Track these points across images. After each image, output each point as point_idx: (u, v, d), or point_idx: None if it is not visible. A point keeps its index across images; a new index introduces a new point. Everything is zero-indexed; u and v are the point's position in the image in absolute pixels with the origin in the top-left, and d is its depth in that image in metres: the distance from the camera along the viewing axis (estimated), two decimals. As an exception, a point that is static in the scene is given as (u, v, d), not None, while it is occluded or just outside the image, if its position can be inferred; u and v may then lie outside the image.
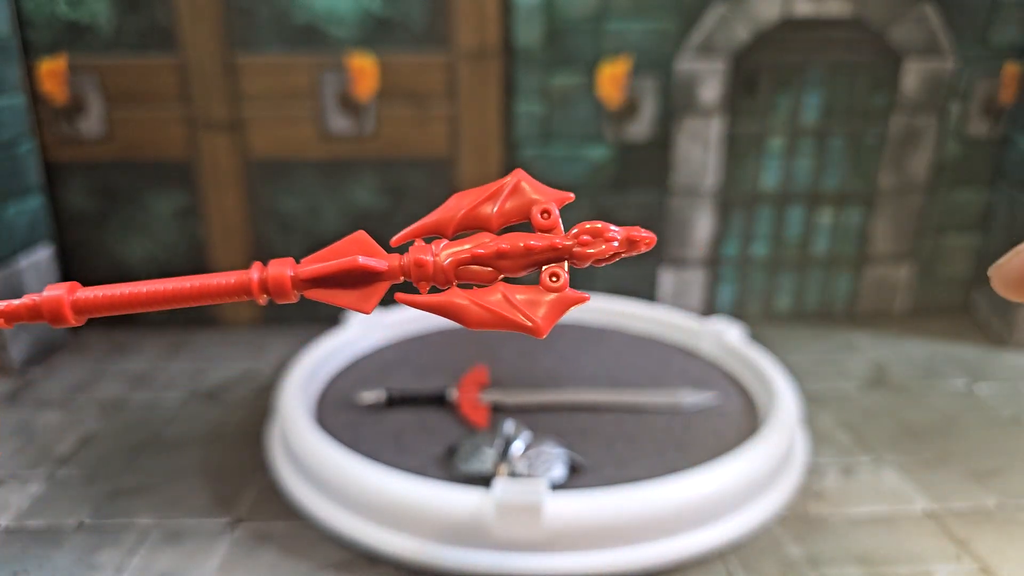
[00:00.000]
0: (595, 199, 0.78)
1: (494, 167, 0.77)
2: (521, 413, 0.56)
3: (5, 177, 0.69)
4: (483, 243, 0.18)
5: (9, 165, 0.69)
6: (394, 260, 0.18)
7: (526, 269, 0.19)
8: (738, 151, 0.78)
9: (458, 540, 0.43)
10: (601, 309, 0.73)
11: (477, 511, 0.43)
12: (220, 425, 0.60)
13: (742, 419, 0.56)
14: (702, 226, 0.80)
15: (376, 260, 0.18)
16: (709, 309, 0.83)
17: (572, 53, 0.73)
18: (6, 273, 0.68)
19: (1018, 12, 0.75)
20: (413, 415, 0.56)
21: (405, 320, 0.71)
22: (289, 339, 0.76)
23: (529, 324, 0.18)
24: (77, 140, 0.74)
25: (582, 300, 0.19)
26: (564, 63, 0.74)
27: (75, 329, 0.78)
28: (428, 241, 0.19)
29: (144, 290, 0.18)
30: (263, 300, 0.18)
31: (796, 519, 0.48)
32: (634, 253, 0.18)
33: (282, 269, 0.18)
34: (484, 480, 0.46)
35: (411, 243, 0.19)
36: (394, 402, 0.57)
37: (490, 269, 0.18)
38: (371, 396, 0.57)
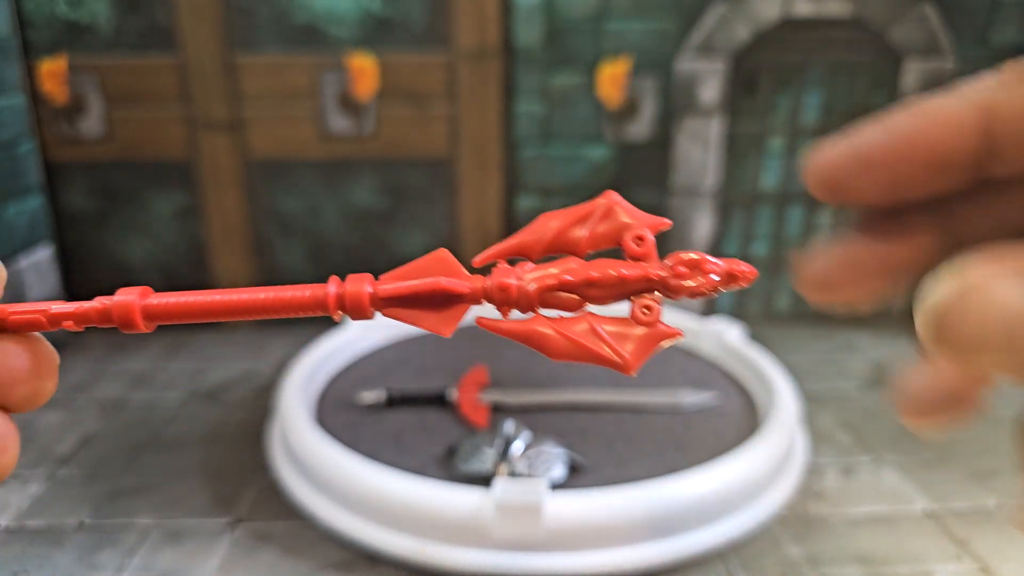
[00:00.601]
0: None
1: (494, 167, 0.77)
2: (521, 413, 0.56)
3: (5, 177, 0.69)
4: (571, 269, 0.17)
5: (9, 165, 0.70)
6: (477, 282, 0.18)
7: (616, 299, 0.18)
8: (738, 151, 0.78)
9: (458, 540, 0.43)
10: (601, 309, 0.73)
11: (477, 511, 0.43)
12: (220, 425, 0.60)
13: (742, 419, 0.56)
14: (702, 226, 0.80)
15: (459, 282, 0.17)
16: (709, 309, 0.83)
17: (572, 53, 0.73)
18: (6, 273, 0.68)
19: (1018, 12, 0.75)
20: (413, 415, 0.56)
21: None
22: (289, 339, 0.76)
23: (617, 360, 0.17)
24: (77, 140, 0.74)
25: (675, 336, 0.17)
26: (564, 63, 0.74)
27: (75, 329, 0.78)
28: (512, 263, 0.18)
29: (217, 299, 0.18)
30: (339, 316, 0.18)
31: (796, 519, 0.48)
32: (732, 288, 0.17)
33: (361, 286, 0.17)
34: (484, 480, 0.46)
35: (494, 264, 0.18)
36: (394, 402, 0.57)
37: (577, 297, 0.17)
38: (371, 396, 0.57)
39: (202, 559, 0.45)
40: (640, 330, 0.17)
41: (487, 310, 0.18)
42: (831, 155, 0.16)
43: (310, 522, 0.48)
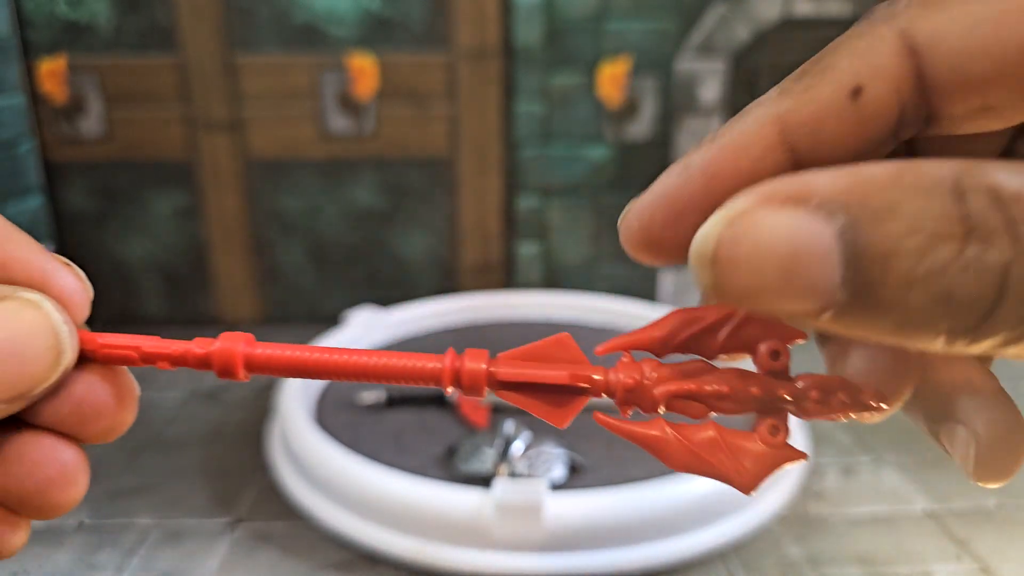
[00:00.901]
0: (595, 199, 0.78)
1: (494, 167, 0.77)
2: (521, 413, 0.56)
3: (5, 177, 0.69)
4: (703, 379, 0.16)
5: (9, 165, 0.70)
6: (600, 374, 0.17)
7: (742, 413, 0.17)
8: (738, 151, 0.78)
9: (458, 540, 0.43)
10: (601, 309, 0.73)
11: (477, 511, 0.43)
12: (220, 425, 0.60)
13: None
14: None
15: (587, 376, 0.17)
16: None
17: (572, 53, 0.73)
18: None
19: (1018, 12, 0.75)
20: (413, 415, 0.56)
21: (405, 320, 0.71)
22: (289, 339, 0.75)
23: (737, 479, 0.16)
24: (77, 140, 0.74)
25: (799, 458, 0.16)
26: (564, 63, 0.74)
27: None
28: (637, 358, 0.17)
29: (325, 358, 0.17)
30: (450, 392, 0.17)
31: (796, 519, 0.48)
32: (862, 419, 0.16)
33: (478, 364, 0.16)
34: (484, 480, 0.46)
35: (618, 355, 0.17)
36: (394, 402, 0.57)
37: (703, 406, 0.16)
38: (371, 396, 0.57)
39: (202, 559, 0.45)
40: (763, 447, 0.16)
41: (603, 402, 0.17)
42: (637, 212, 0.15)
43: (310, 522, 0.48)
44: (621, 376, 0.17)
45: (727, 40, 0.73)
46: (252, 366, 0.17)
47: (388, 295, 0.77)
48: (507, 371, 0.17)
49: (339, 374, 0.17)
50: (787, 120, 0.14)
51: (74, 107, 0.73)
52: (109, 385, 0.16)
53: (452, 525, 0.43)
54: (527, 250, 0.79)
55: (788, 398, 0.16)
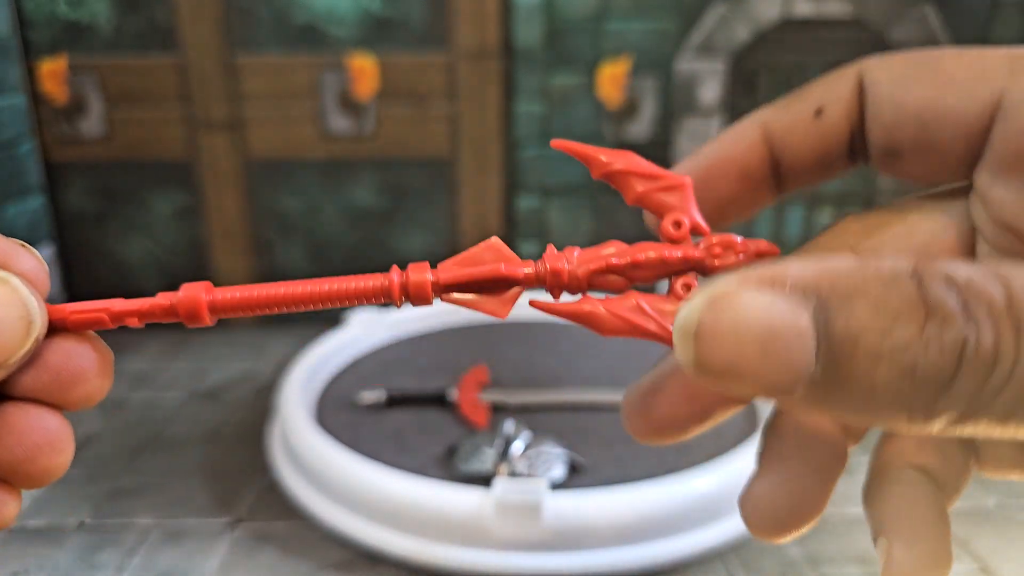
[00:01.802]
0: (595, 199, 0.78)
1: (494, 167, 0.77)
2: (521, 413, 0.56)
3: (5, 177, 0.69)
4: (617, 253, 0.19)
5: (9, 165, 0.70)
6: (531, 267, 0.19)
7: (657, 279, 0.19)
8: (738, 151, 0.78)
9: (458, 539, 0.43)
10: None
11: (477, 510, 0.43)
12: (220, 425, 0.60)
13: (741, 419, 0.56)
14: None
15: (516, 268, 0.19)
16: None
17: (572, 53, 0.73)
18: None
19: (1018, 12, 0.75)
20: (413, 415, 0.56)
21: (405, 320, 0.71)
22: (289, 339, 0.76)
23: (662, 333, 0.18)
24: (77, 140, 0.74)
25: None
26: (564, 63, 0.74)
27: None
28: (560, 250, 0.19)
29: (281, 292, 0.18)
30: (400, 303, 0.18)
31: (796, 519, 0.48)
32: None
33: (422, 274, 0.18)
34: (484, 480, 0.47)
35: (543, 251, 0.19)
36: (394, 402, 0.57)
37: (623, 279, 0.19)
38: (371, 396, 0.57)
39: (202, 559, 0.45)
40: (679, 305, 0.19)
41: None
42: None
43: (310, 522, 0.48)
44: (548, 265, 0.19)
45: (727, 40, 0.73)
46: (216, 309, 0.18)
47: (388, 295, 0.77)
48: (448, 275, 0.18)
49: (297, 303, 0.18)
50: (768, 126, 0.19)
51: (74, 107, 0.73)
52: (84, 351, 0.17)
53: (452, 524, 0.43)
54: (527, 250, 0.79)
55: (693, 257, 0.19)
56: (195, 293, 0.18)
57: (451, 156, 0.77)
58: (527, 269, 0.19)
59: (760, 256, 0.19)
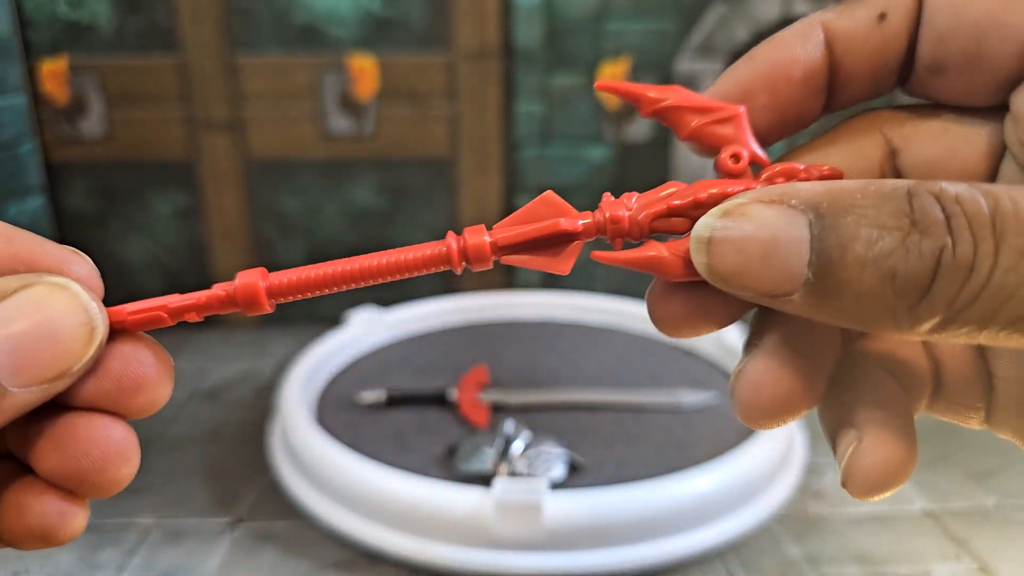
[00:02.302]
0: (595, 199, 0.78)
1: (494, 167, 0.77)
2: (521, 413, 0.56)
3: (6, 177, 0.69)
4: (677, 193, 0.18)
5: (10, 165, 0.70)
6: (590, 218, 0.18)
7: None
8: (738, 151, 0.78)
9: (458, 539, 0.43)
10: (601, 309, 0.73)
11: (477, 510, 0.43)
12: (221, 425, 0.60)
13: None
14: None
15: (575, 221, 0.18)
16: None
17: (572, 53, 0.73)
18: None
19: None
20: (413, 415, 0.56)
21: (405, 320, 0.71)
22: (290, 339, 0.76)
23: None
24: (78, 140, 0.75)
25: None
26: (564, 63, 0.74)
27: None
28: (616, 196, 0.19)
29: (338, 270, 0.18)
30: (460, 269, 0.18)
31: (795, 518, 0.48)
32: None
33: (480, 237, 0.18)
34: (484, 480, 0.47)
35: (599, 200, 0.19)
36: (394, 402, 0.57)
37: (686, 220, 0.18)
38: (371, 396, 0.57)
39: (202, 559, 0.45)
40: None
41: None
42: (712, 94, 0.18)
43: (310, 522, 0.48)
44: (607, 213, 0.18)
45: (727, 40, 0.74)
46: (274, 294, 0.18)
47: (388, 295, 0.77)
48: (506, 235, 0.18)
49: (351, 280, 0.18)
50: (828, 27, 0.17)
51: (75, 107, 0.74)
52: (145, 356, 0.17)
53: (452, 524, 0.43)
54: (527, 250, 0.79)
55: (757, 187, 0.18)
56: (252, 280, 0.17)
57: (451, 156, 0.77)
58: (586, 220, 0.18)
59: (824, 178, 0.18)
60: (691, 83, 0.74)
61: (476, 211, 0.78)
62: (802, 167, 0.18)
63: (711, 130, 0.18)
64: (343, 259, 0.18)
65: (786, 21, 0.74)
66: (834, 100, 0.18)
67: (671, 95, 0.19)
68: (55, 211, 0.76)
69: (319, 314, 0.78)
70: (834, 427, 0.18)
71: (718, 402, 0.58)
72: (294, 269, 0.18)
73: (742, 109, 0.18)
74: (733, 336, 0.65)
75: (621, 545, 0.43)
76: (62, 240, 0.64)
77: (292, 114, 0.74)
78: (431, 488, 0.44)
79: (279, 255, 0.79)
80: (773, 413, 0.17)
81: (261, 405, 0.63)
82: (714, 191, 0.18)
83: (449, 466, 0.49)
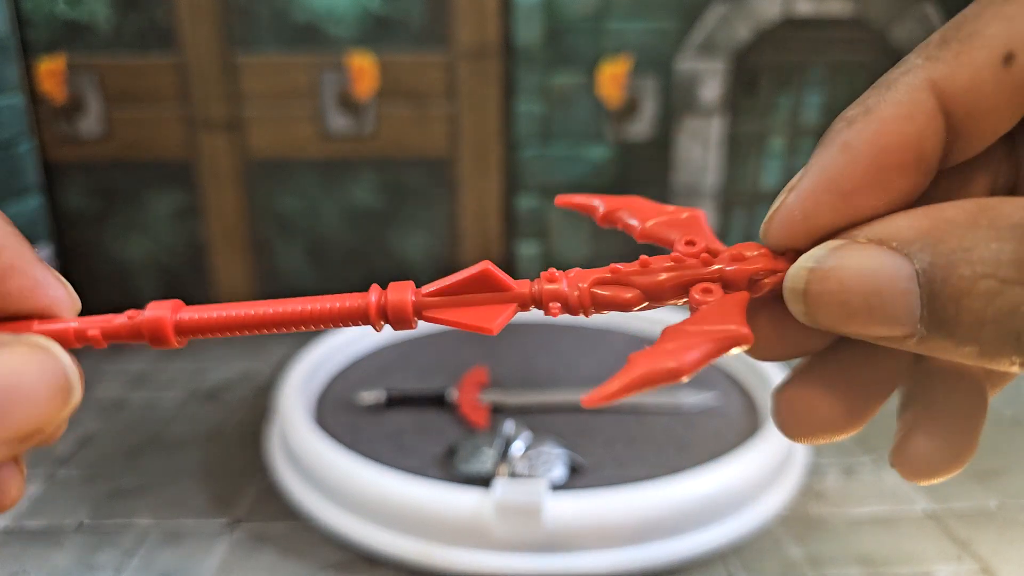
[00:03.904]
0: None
1: (494, 167, 0.77)
2: (521, 413, 0.56)
3: (3, 177, 0.69)
4: (622, 265, 0.17)
5: (8, 165, 0.69)
6: (524, 285, 0.17)
7: (673, 293, 0.17)
8: (739, 151, 0.78)
9: (458, 540, 0.43)
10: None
11: (477, 511, 0.42)
12: (220, 425, 0.60)
13: (743, 419, 0.56)
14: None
15: (505, 275, 0.17)
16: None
17: (572, 52, 0.73)
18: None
19: (1019, 11, 0.74)
20: (413, 415, 0.56)
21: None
22: (289, 339, 0.76)
23: (737, 330, 0.15)
24: (76, 140, 0.74)
25: (746, 299, 0.17)
26: (564, 62, 0.73)
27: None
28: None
29: (252, 312, 0.17)
30: (380, 327, 0.17)
31: (797, 519, 0.48)
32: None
33: (403, 293, 0.17)
34: (484, 481, 0.46)
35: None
36: (394, 402, 0.57)
37: (635, 291, 0.17)
38: (371, 396, 0.57)
39: (201, 560, 0.45)
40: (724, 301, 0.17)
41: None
42: (800, 202, 0.15)
43: (309, 523, 0.48)
44: (545, 280, 0.17)
45: (728, 39, 0.73)
46: (183, 331, 0.17)
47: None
48: (431, 288, 0.17)
49: (270, 326, 0.17)
50: (942, 87, 0.14)
51: (73, 107, 0.73)
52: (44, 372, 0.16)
53: (452, 525, 0.43)
54: (527, 250, 0.79)
55: (708, 270, 0.16)
56: (160, 314, 0.17)
57: (451, 156, 0.76)
58: (520, 285, 0.17)
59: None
60: (692, 82, 0.74)
61: (476, 211, 0.78)
62: (754, 253, 0.16)
63: (667, 230, 0.17)
64: (260, 301, 0.17)
65: (787, 20, 0.74)
66: (945, 163, 0.15)
67: (626, 202, 0.18)
68: (53, 211, 0.76)
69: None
70: (904, 398, 0.17)
71: (719, 403, 0.58)
72: (207, 307, 0.17)
73: (701, 212, 0.17)
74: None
75: (622, 547, 0.43)
76: (60, 241, 0.64)
77: (291, 113, 0.74)
78: (431, 489, 0.44)
79: (278, 255, 0.79)
80: (809, 434, 0.16)
81: (260, 405, 0.63)
82: (665, 262, 0.17)
83: (449, 467, 0.49)
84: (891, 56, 0.75)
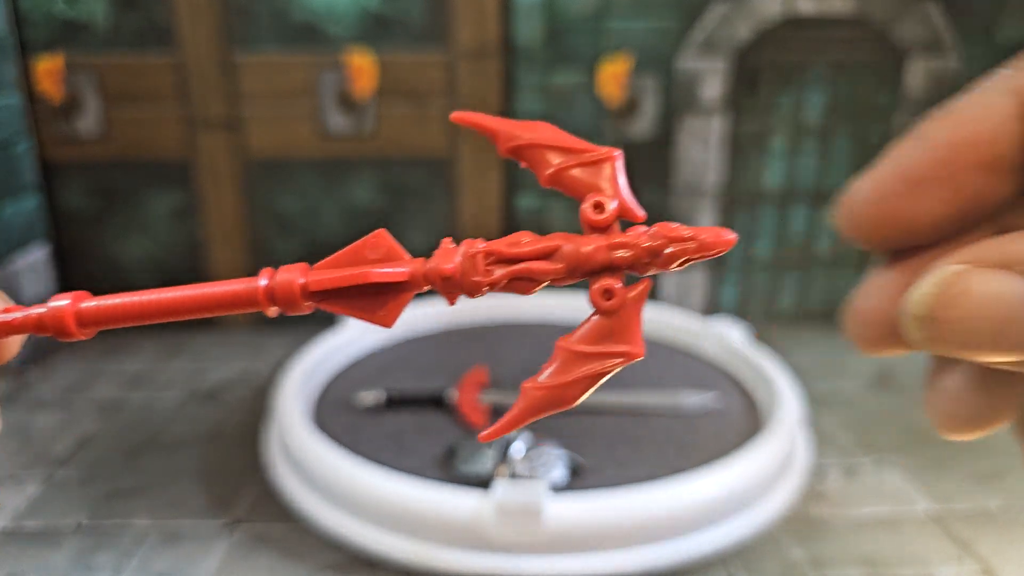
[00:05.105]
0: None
1: (494, 166, 0.76)
2: (521, 414, 0.56)
3: (2, 177, 0.69)
4: (529, 243, 0.15)
5: (6, 164, 0.69)
6: (414, 266, 0.16)
7: (570, 278, 0.16)
8: (740, 150, 0.77)
9: (457, 542, 0.43)
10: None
11: (477, 513, 0.42)
12: (218, 426, 0.60)
13: (744, 421, 0.56)
14: (704, 225, 0.79)
15: (392, 271, 0.16)
16: (712, 309, 0.82)
17: (572, 51, 0.73)
18: (2, 274, 0.68)
19: (1023, 9, 0.74)
20: (412, 416, 0.56)
21: (404, 320, 0.70)
22: (288, 339, 0.76)
23: (628, 350, 0.15)
24: (74, 139, 0.74)
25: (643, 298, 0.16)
26: (564, 61, 0.73)
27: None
28: (457, 243, 0.16)
29: (147, 299, 0.17)
30: (272, 312, 0.16)
31: (798, 521, 0.48)
32: (708, 257, 0.15)
33: (292, 276, 0.16)
34: (484, 482, 0.46)
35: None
36: (393, 403, 0.57)
37: (525, 280, 0.16)
38: (370, 397, 0.57)
39: (199, 561, 0.44)
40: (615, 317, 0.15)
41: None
42: (871, 187, 0.15)
43: (308, 524, 0.47)
44: (437, 261, 0.16)
45: (728, 38, 0.73)
46: (85, 322, 0.17)
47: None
48: (317, 279, 0.16)
49: (161, 314, 0.17)
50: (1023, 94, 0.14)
51: (71, 106, 0.73)
52: None
53: (451, 527, 0.43)
54: (527, 249, 0.79)
55: (619, 254, 0.15)
56: (61, 305, 0.16)
57: (451, 155, 0.76)
58: (408, 269, 0.16)
59: (705, 247, 0.15)
60: (692, 81, 0.74)
61: (476, 211, 0.78)
62: (688, 233, 0.15)
63: (574, 174, 0.16)
64: (157, 289, 0.17)
65: (787, 19, 0.74)
66: None
67: (532, 132, 0.16)
68: (51, 210, 0.76)
69: (318, 314, 0.78)
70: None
71: (720, 404, 0.57)
72: (108, 296, 0.17)
73: (617, 153, 0.15)
74: (734, 337, 0.64)
75: (622, 549, 0.43)
76: (58, 240, 0.64)
77: (290, 113, 0.74)
78: (430, 491, 0.44)
79: (277, 255, 0.79)
80: (965, 429, 0.16)
81: (259, 406, 0.63)
82: (568, 247, 0.15)
83: (448, 468, 0.49)
84: (893, 54, 0.75)
